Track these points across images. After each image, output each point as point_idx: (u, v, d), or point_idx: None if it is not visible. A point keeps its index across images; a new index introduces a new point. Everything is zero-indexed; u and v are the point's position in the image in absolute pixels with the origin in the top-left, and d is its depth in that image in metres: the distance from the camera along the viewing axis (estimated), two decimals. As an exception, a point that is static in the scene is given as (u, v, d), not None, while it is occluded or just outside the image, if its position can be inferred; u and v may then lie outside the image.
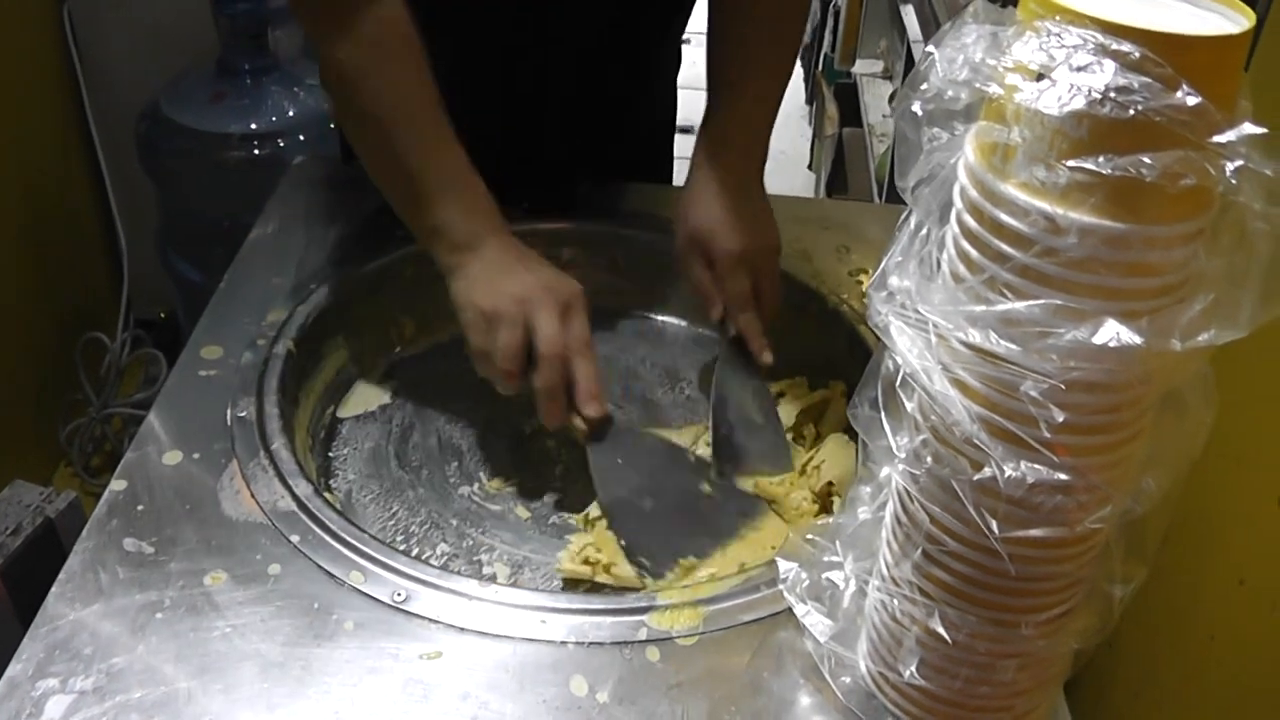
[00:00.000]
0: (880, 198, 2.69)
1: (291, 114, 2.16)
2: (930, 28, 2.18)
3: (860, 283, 1.26)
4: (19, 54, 2.34)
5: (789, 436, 1.16)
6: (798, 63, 4.46)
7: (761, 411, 1.16)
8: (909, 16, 2.35)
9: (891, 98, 3.04)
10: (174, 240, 2.32)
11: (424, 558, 1.01)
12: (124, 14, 2.43)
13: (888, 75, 3.30)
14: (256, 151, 2.11)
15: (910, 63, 2.35)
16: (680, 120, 1.58)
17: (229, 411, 1.05)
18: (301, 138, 2.13)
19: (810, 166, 4.01)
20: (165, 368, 2.52)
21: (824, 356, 1.23)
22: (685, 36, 1.43)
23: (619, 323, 1.36)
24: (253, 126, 2.13)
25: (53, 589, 0.88)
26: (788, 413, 1.18)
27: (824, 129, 3.57)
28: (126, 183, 2.53)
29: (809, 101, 4.32)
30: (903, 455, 0.69)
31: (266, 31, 2.21)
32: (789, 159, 4.13)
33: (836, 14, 3.55)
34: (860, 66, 3.41)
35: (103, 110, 2.50)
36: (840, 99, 3.42)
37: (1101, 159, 0.56)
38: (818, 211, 1.50)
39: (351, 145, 1.14)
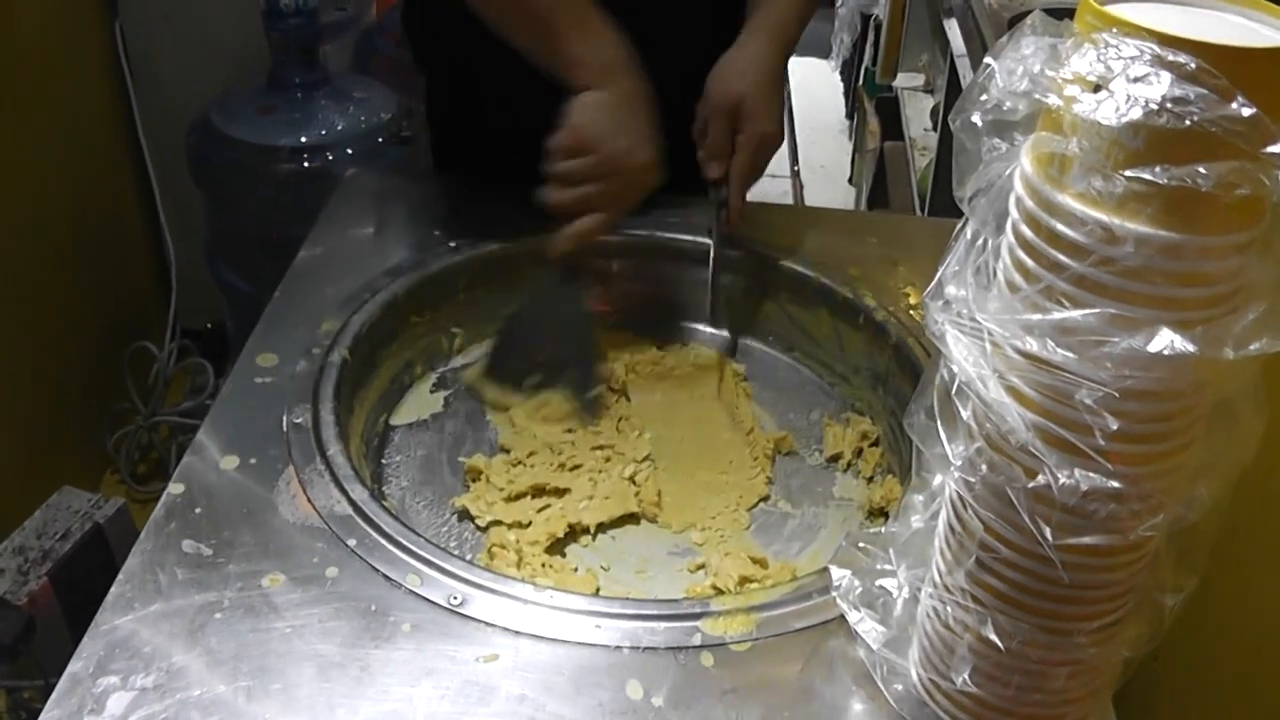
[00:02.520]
0: (923, 211, 2.69)
1: (341, 127, 2.18)
2: (974, 41, 2.18)
3: (908, 295, 1.26)
4: (71, 68, 2.37)
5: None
6: (837, 76, 4.50)
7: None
8: (952, 30, 2.35)
9: (934, 111, 3.04)
10: (223, 251, 2.34)
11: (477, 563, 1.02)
12: (175, 29, 2.46)
13: (929, 89, 3.30)
14: (306, 164, 2.14)
15: (954, 76, 2.35)
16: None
17: (285, 418, 1.06)
18: (350, 151, 2.15)
19: (851, 180, 4.01)
20: (212, 377, 2.54)
21: (872, 368, 1.24)
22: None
23: (665, 335, 1.37)
24: (302, 140, 2.15)
25: (112, 589, 0.89)
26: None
27: (865, 143, 3.56)
28: (175, 194, 2.56)
29: (849, 115, 4.31)
30: (958, 463, 0.70)
31: (317, 46, 2.23)
32: (829, 173, 4.13)
33: (878, 28, 3.55)
34: (901, 80, 3.40)
35: (152, 123, 2.53)
36: (881, 113, 3.42)
37: (1158, 169, 0.57)
38: (863, 224, 1.51)
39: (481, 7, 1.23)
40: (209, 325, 2.70)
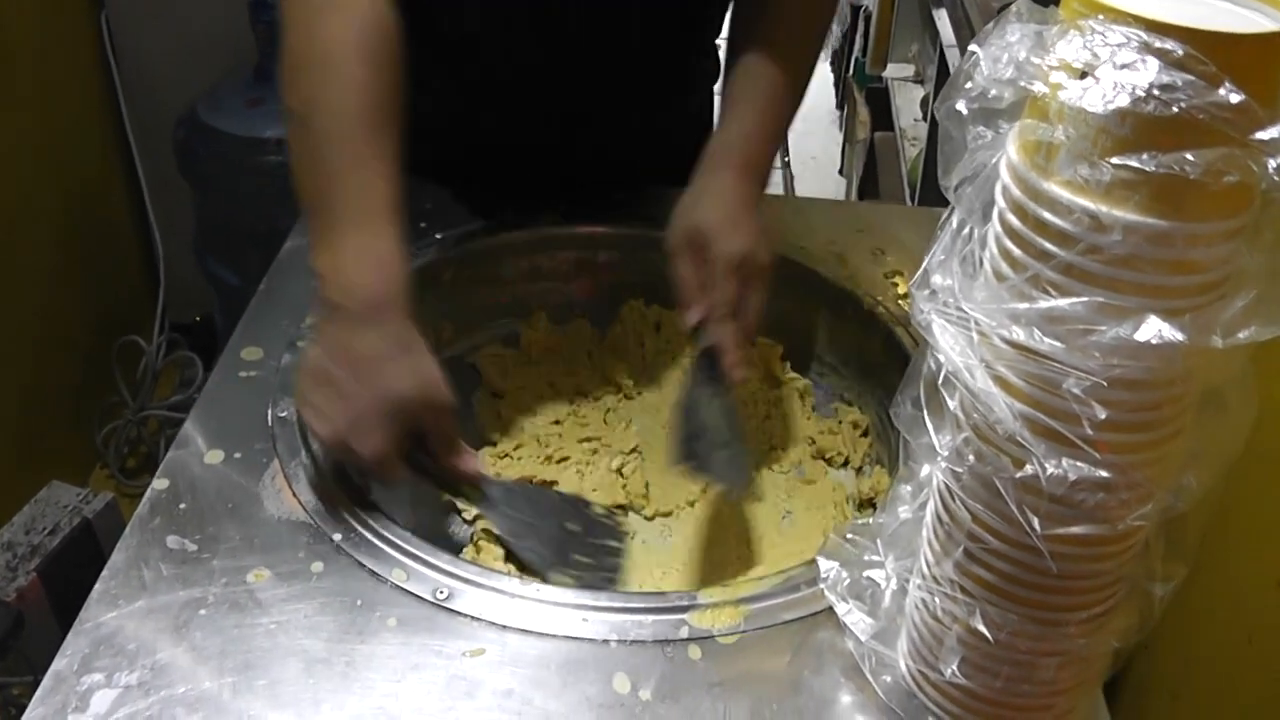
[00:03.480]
0: (913, 201, 2.69)
1: (327, 119, 2.17)
2: (963, 31, 2.18)
3: (896, 285, 1.26)
4: (57, 62, 2.37)
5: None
6: (827, 67, 4.50)
7: (728, 429, 1.07)
8: (942, 20, 2.35)
9: (924, 102, 3.04)
10: (211, 244, 2.34)
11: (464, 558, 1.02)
12: (161, 22, 2.46)
13: (919, 79, 3.30)
14: (293, 156, 2.13)
15: (943, 66, 2.35)
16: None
17: (270, 412, 1.05)
18: (336, 143, 2.14)
19: (841, 171, 4.01)
20: (201, 370, 2.54)
21: (861, 359, 1.24)
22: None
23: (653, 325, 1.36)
24: (288, 132, 2.14)
25: (96, 585, 0.89)
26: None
27: (855, 133, 3.56)
28: (163, 188, 2.55)
29: (839, 106, 4.32)
30: (945, 453, 0.69)
31: (303, 37, 2.22)
32: (820, 164, 4.14)
33: (867, 18, 3.55)
34: (891, 70, 3.41)
35: (140, 116, 2.53)
36: (871, 103, 3.42)
37: (1145, 156, 0.56)
38: (852, 214, 1.51)
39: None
40: (197, 319, 2.69)
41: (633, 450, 1.15)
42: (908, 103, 3.17)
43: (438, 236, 1.29)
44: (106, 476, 2.53)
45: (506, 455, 1.14)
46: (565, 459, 1.14)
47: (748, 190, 1.13)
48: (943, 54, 2.35)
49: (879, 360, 1.21)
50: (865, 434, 1.20)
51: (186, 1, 2.44)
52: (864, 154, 3.38)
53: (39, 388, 2.32)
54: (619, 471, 1.12)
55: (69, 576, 1.91)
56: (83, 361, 2.47)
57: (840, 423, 1.21)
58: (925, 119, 2.89)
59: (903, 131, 3.04)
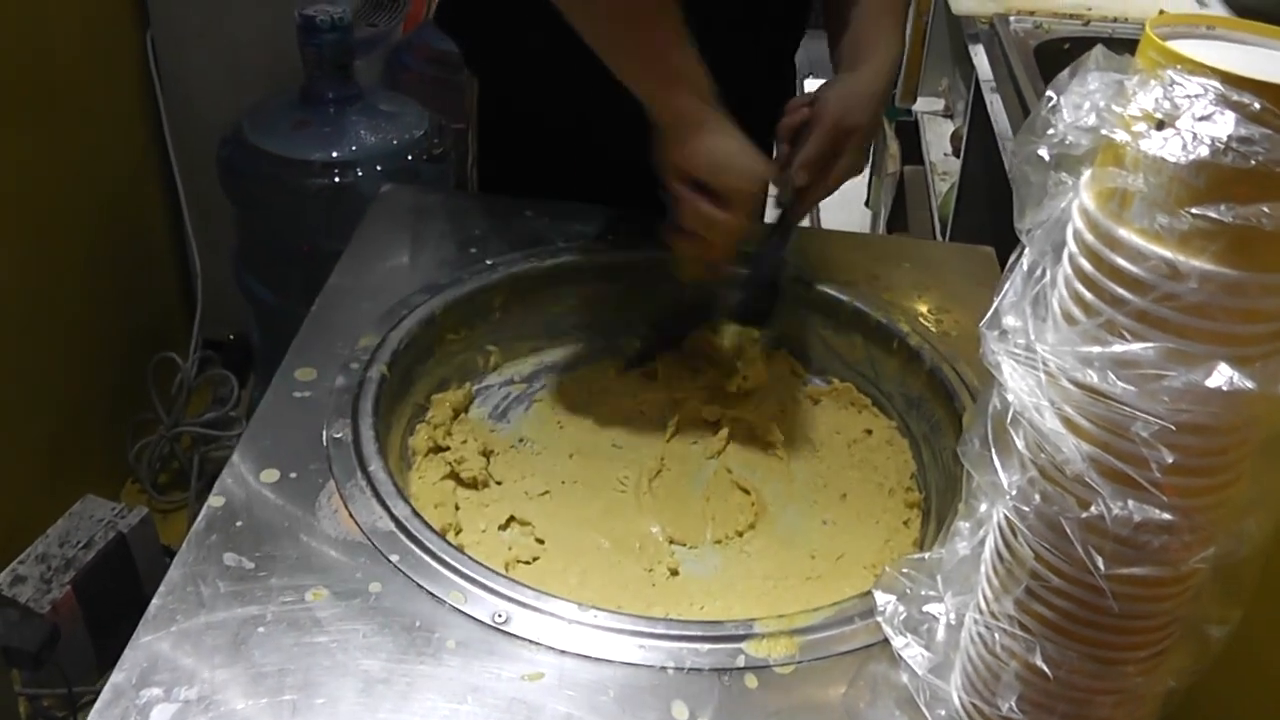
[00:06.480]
0: (943, 236, 2.69)
1: (373, 144, 2.20)
2: (1000, 68, 2.19)
3: (940, 321, 1.27)
4: (102, 79, 2.39)
5: None
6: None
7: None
8: (979, 56, 2.36)
9: (954, 136, 3.05)
10: (251, 262, 2.36)
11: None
12: (206, 42, 2.48)
13: (949, 113, 3.31)
14: (337, 179, 2.14)
15: (978, 101, 2.36)
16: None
17: (324, 432, 1.07)
18: (379, 168, 2.16)
19: (867, 204, 4.02)
20: (235, 388, 2.56)
21: (905, 393, 1.25)
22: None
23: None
24: (334, 155, 2.16)
25: (154, 601, 0.90)
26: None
27: (884, 166, 3.57)
28: (201, 206, 2.57)
29: (867, 139, 4.32)
30: (1012, 492, 0.70)
31: (352, 62, 2.24)
32: (845, 196, 4.11)
33: (898, 52, 3.56)
34: (921, 104, 3.42)
35: (181, 135, 2.55)
36: (901, 137, 3.43)
37: (1223, 207, 0.57)
38: (895, 249, 1.52)
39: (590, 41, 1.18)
40: (231, 337, 2.71)
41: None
42: (938, 137, 3.18)
43: (488, 262, 1.30)
44: (138, 491, 2.54)
45: (566, 481, 1.16)
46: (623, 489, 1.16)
47: (869, 81, 1.28)
48: (978, 89, 2.36)
49: (924, 395, 1.22)
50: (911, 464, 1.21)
51: (232, 22, 2.46)
52: (893, 188, 3.39)
53: (73, 402, 2.34)
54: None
55: (103, 590, 1.92)
56: (117, 377, 2.49)
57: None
58: (957, 154, 2.90)
59: (933, 166, 3.05)
